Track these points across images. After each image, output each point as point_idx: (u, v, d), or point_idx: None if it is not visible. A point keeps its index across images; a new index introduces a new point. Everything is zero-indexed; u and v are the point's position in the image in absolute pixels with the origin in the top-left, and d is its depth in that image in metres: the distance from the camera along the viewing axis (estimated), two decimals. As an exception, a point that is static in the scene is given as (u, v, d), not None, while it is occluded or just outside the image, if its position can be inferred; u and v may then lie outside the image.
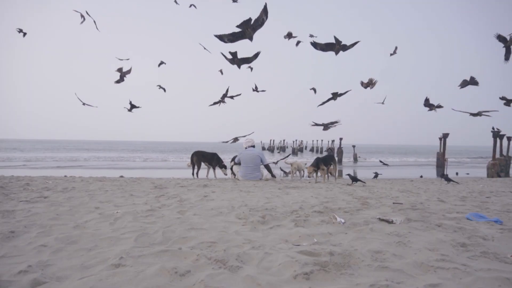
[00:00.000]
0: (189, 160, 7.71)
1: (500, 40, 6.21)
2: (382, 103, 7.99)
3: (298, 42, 8.13)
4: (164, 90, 9.54)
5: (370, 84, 7.52)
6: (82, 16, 6.41)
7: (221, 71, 9.14)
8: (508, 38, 6.10)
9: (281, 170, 8.97)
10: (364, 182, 5.41)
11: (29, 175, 7.62)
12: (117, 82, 7.40)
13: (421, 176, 8.75)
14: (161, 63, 9.42)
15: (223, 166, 7.51)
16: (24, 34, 8.04)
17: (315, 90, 8.58)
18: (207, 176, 7.57)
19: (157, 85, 9.44)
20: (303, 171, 7.88)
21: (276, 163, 9.25)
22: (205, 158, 7.54)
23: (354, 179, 5.47)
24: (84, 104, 7.67)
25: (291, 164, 7.85)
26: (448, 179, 7.22)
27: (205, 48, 7.63)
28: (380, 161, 11.04)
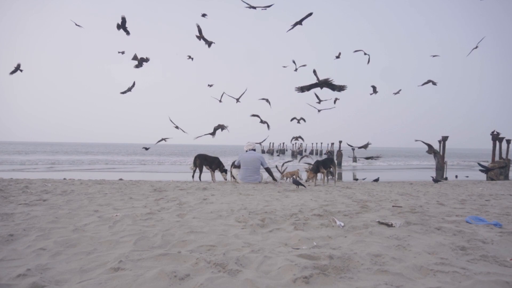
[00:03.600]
0: (191, 163, 7.71)
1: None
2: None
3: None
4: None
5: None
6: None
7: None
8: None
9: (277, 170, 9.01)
10: (305, 187, 5.53)
11: (28, 177, 7.60)
12: (136, 66, 7.81)
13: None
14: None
15: (223, 170, 7.50)
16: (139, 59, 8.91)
17: (374, 89, 9.04)
18: (212, 180, 7.50)
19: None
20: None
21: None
22: (207, 161, 7.55)
23: (297, 183, 5.57)
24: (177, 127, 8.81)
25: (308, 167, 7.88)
26: (437, 180, 8.41)
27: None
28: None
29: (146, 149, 12.01)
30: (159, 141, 9.21)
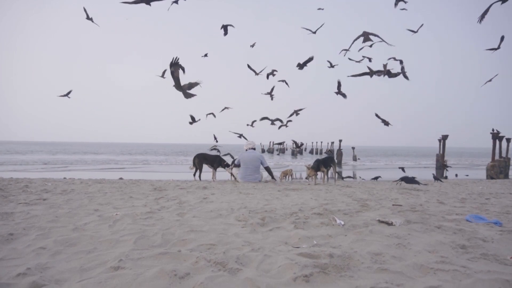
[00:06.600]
0: (191, 163, 7.71)
1: None
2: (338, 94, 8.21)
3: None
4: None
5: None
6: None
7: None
8: None
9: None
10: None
11: (28, 177, 7.60)
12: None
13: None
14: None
15: (225, 166, 7.49)
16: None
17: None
18: (213, 179, 7.49)
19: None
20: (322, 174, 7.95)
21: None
22: (207, 160, 7.55)
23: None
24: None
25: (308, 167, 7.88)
26: (436, 178, 8.71)
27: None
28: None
29: (215, 149, 10.25)
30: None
